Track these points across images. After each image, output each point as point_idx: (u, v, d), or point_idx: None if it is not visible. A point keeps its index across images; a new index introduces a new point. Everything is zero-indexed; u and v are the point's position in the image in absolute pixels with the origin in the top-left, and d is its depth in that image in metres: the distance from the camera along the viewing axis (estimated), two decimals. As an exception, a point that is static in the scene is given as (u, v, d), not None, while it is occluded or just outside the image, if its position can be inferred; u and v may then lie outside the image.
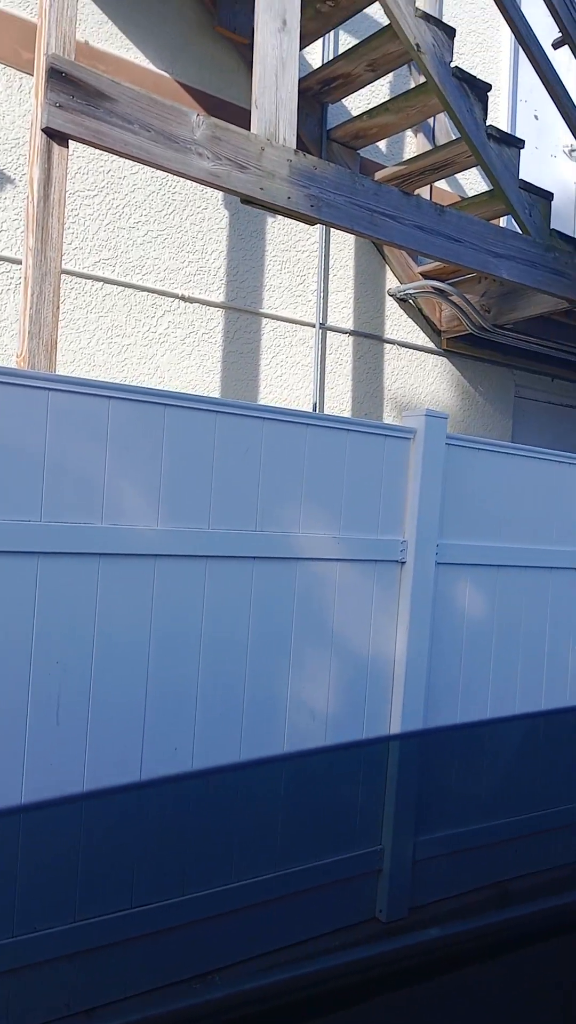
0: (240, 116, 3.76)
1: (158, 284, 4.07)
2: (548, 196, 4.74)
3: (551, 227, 4.73)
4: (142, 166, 3.87)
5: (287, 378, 4.60)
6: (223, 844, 2.76)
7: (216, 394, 4.26)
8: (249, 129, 3.56)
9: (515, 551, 3.56)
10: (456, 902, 3.22)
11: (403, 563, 3.20)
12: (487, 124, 4.30)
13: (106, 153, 3.71)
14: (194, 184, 4.06)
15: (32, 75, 3.30)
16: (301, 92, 4.12)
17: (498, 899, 3.31)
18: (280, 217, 4.43)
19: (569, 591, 3.76)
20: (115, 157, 3.76)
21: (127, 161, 3.82)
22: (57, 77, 2.95)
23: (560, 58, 4.85)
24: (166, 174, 3.98)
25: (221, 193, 4.23)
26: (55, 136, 2.99)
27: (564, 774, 3.72)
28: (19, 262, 3.59)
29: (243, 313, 4.38)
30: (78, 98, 3.01)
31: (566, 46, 4.81)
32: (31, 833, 2.41)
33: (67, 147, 3.04)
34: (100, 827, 2.52)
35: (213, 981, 2.56)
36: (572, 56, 4.78)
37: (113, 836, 2.55)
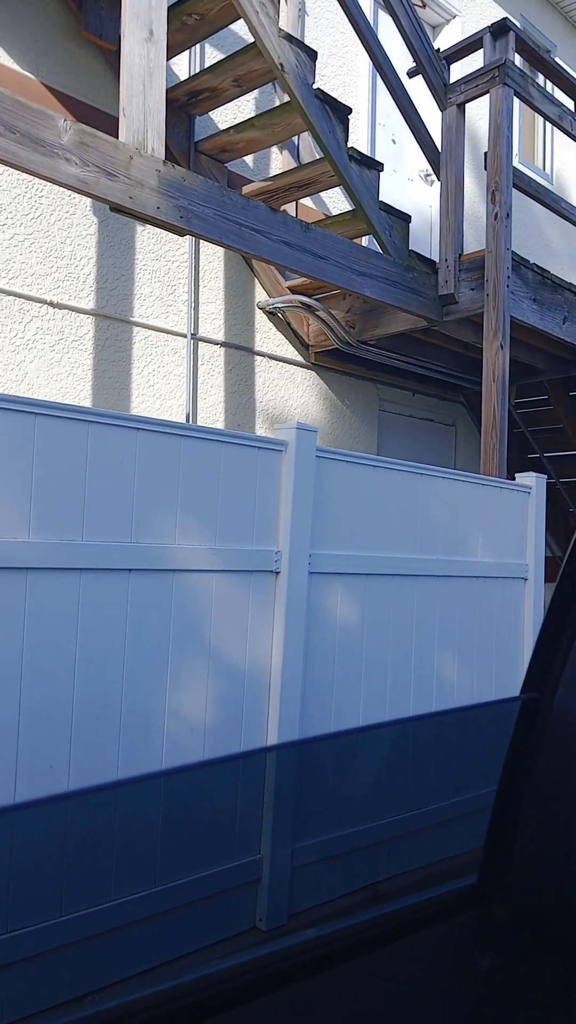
0: (108, 123, 3.72)
1: (25, 289, 3.96)
2: (407, 218, 4.94)
3: (409, 248, 4.94)
4: (4, 168, 3.76)
5: (159, 388, 4.58)
6: (101, 863, 2.70)
7: (87, 402, 4.19)
8: (117, 137, 3.54)
9: (382, 560, 3.68)
10: (332, 906, 3.28)
11: (277, 573, 3.24)
12: (348, 146, 4.45)
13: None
14: (61, 189, 3.99)
15: None
16: (169, 103, 4.12)
17: (371, 901, 3.40)
18: (150, 227, 4.41)
19: (431, 597, 3.92)
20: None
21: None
22: None
23: (415, 87, 5.07)
24: (31, 177, 3.88)
25: (90, 199, 4.17)
26: None
27: (432, 777, 3.87)
28: None
29: (114, 321, 4.33)
30: None
31: (420, 76, 5.04)
32: None
33: None
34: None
35: (94, 1002, 2.49)
36: (426, 86, 5.02)
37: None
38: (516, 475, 4.57)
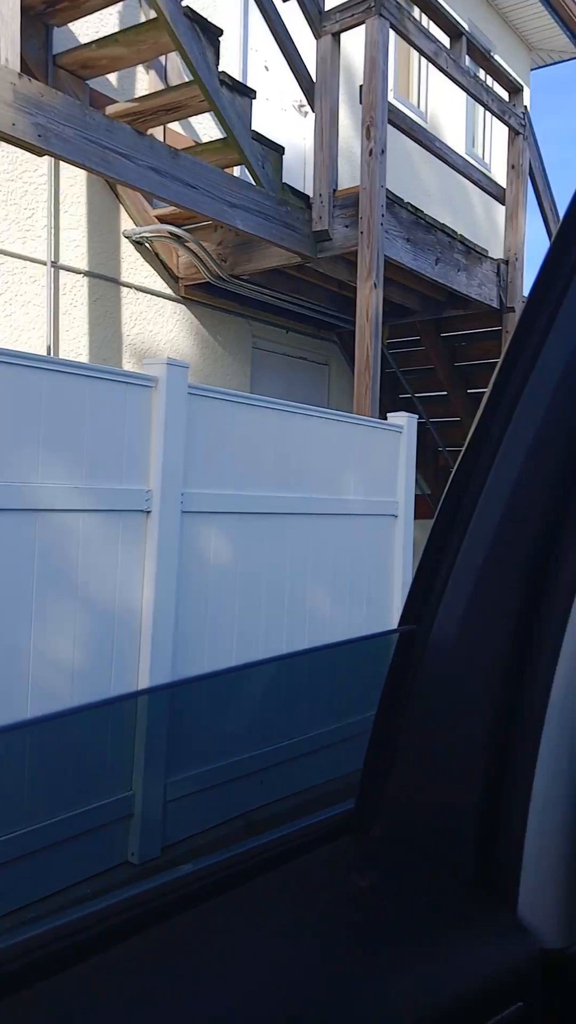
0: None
1: None
2: (280, 150, 4.84)
3: (283, 182, 4.85)
4: None
5: (17, 318, 4.34)
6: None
7: None
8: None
9: (255, 499, 3.68)
10: (207, 836, 3.34)
11: (148, 512, 3.19)
12: (219, 70, 4.28)
13: None
14: None
15: None
16: (24, 11, 3.83)
17: (245, 829, 3.48)
18: (4, 144, 4.12)
19: (304, 535, 3.96)
20: None
21: None
22: None
23: (289, 12, 4.92)
24: None
25: None
26: None
27: (307, 709, 3.97)
28: None
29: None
30: None
31: (295, 0, 4.90)
32: None
33: None
34: None
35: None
36: (300, 11, 4.88)
37: None
38: (388, 415, 4.65)
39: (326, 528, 4.07)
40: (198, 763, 3.42)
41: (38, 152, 3.58)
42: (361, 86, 4.89)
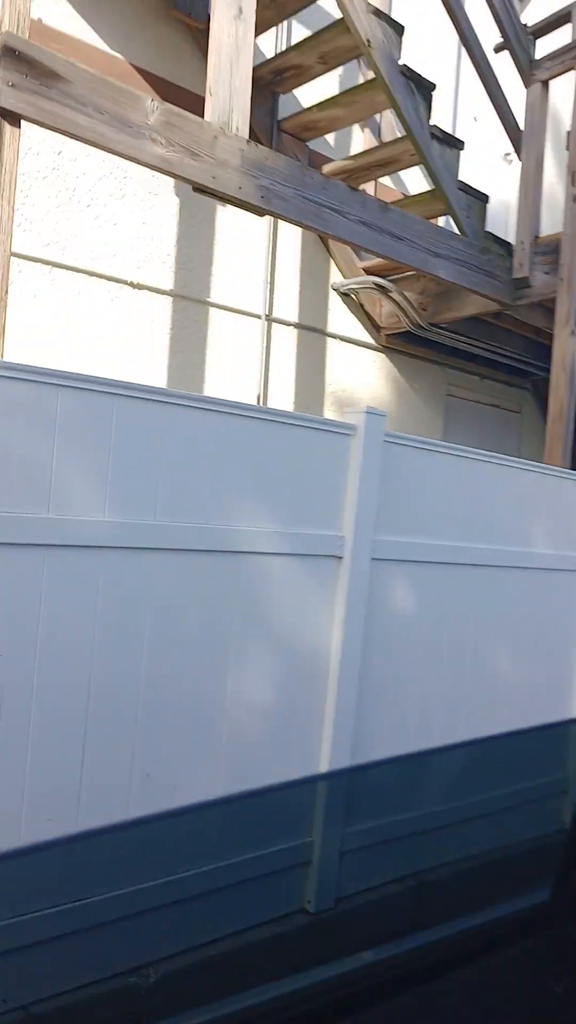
0: (193, 103, 3.73)
1: (108, 270, 4.02)
2: (484, 198, 4.86)
3: (486, 230, 4.86)
4: (95, 149, 3.80)
5: (232, 369, 4.61)
6: (160, 843, 2.78)
7: (164, 384, 4.24)
8: (203, 116, 3.55)
9: (445, 548, 3.66)
10: (378, 892, 3.33)
11: (340, 558, 3.26)
12: (431, 124, 4.38)
13: (56, 135, 3.65)
14: (146, 169, 4.02)
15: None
16: (253, 81, 4.10)
17: (416, 890, 3.44)
18: (230, 207, 4.42)
19: (491, 587, 3.89)
20: (67, 139, 3.69)
21: (79, 143, 3.75)
22: (11, 56, 2.88)
23: (501, 63, 4.95)
24: (116, 158, 3.92)
25: (173, 180, 4.20)
26: (7, 116, 2.92)
27: (487, 775, 3.87)
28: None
29: (191, 302, 4.37)
30: (31, 78, 2.95)
31: (506, 51, 4.92)
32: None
33: (19, 127, 2.97)
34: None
35: (148, 974, 2.59)
36: (512, 61, 4.90)
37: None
38: (581, 467, 4.50)
39: (511, 581, 3.98)
40: (374, 815, 3.42)
41: (260, 212, 3.81)
42: (568, 132, 4.82)
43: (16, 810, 2.47)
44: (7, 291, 2.95)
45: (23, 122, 2.99)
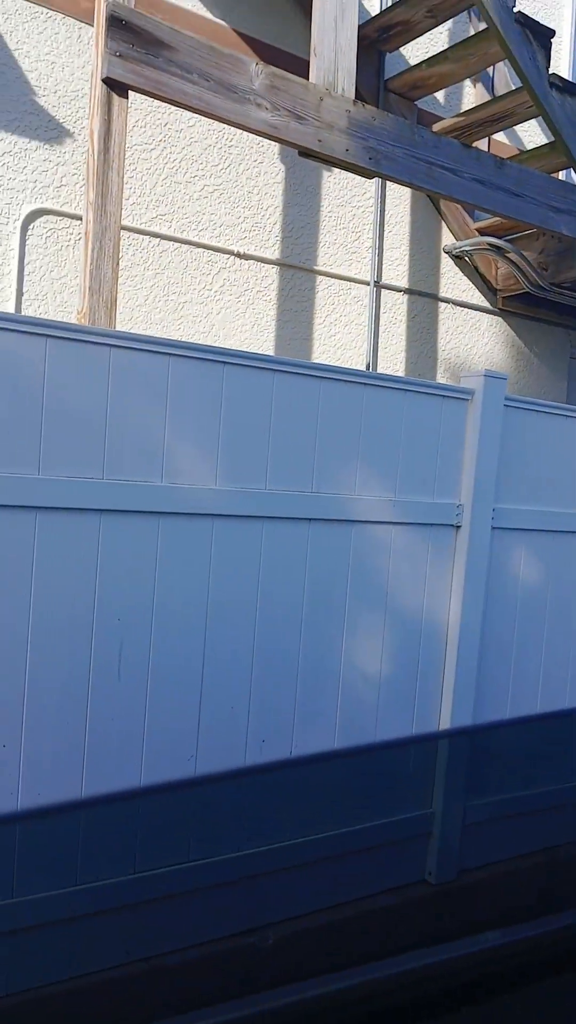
0: (298, 66, 3.66)
1: (214, 240, 4.02)
2: (612, 149, 4.56)
3: (613, 182, 4.57)
4: (199, 119, 3.80)
5: (340, 337, 4.54)
6: (279, 811, 2.79)
7: (269, 353, 4.22)
8: (307, 79, 3.48)
9: (569, 516, 3.49)
10: (505, 866, 3.23)
11: (458, 527, 3.16)
12: (549, 72, 4.15)
13: (163, 106, 3.66)
14: (251, 137, 3.98)
15: (91, 25, 3.23)
16: (359, 40, 3.99)
17: (547, 865, 3.32)
18: (336, 171, 4.34)
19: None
20: (172, 109, 3.70)
21: (184, 114, 3.75)
22: (117, 25, 2.89)
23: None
24: (223, 127, 3.91)
25: (277, 146, 4.15)
26: (115, 87, 2.93)
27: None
28: (79, 218, 3.56)
29: (298, 270, 4.32)
30: (138, 47, 2.95)
31: None
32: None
33: (127, 98, 2.99)
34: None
35: (266, 936, 2.60)
36: None
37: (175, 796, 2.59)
38: None
39: None
40: (499, 788, 3.32)
41: (368, 175, 3.71)
42: None
43: (135, 772, 2.52)
44: (118, 262, 2.98)
45: (130, 92, 3.00)
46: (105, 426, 2.42)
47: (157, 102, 3.51)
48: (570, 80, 4.43)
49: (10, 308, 3.43)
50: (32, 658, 2.35)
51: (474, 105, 5.02)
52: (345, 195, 4.54)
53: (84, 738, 2.43)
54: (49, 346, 2.33)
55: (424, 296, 4.95)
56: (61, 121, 3.55)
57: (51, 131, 3.53)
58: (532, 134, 5.57)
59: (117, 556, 2.46)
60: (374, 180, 4.43)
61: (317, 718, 2.86)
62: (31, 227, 3.49)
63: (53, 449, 2.35)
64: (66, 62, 3.54)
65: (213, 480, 2.62)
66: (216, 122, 3.68)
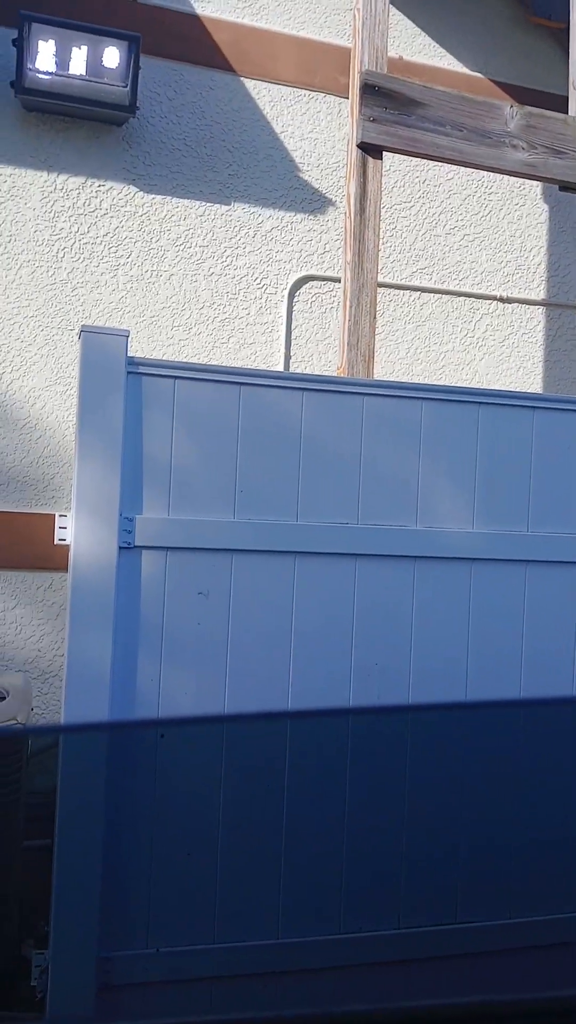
0: (557, 104, 3.57)
1: (475, 288, 3.99)
2: None
3: None
4: (456, 171, 3.83)
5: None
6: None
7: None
8: (566, 113, 3.38)
9: None
10: None
11: None
12: None
13: (421, 164, 3.74)
14: (511, 182, 3.94)
15: (348, 97, 3.41)
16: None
17: None
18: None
19: None
20: (430, 166, 3.77)
21: (442, 168, 3.81)
22: (370, 92, 3.02)
23: None
24: (481, 176, 3.91)
25: (539, 187, 4.06)
26: (369, 150, 3.06)
27: None
28: (340, 280, 3.73)
29: (566, 309, 4.14)
30: (390, 109, 3.06)
31: None
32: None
33: (381, 159, 3.10)
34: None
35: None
36: None
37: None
38: None
39: None
40: None
41: None
42: None
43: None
44: (375, 317, 3.06)
45: (385, 155, 3.11)
46: (360, 472, 2.46)
47: (416, 160, 3.60)
48: None
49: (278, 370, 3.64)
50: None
51: None
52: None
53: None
54: (306, 398, 2.44)
55: None
56: (324, 192, 3.76)
57: (314, 202, 3.75)
58: None
59: (373, 599, 2.46)
60: None
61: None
62: (297, 294, 3.71)
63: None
64: (327, 137, 3.76)
65: (470, 523, 2.55)
66: (474, 171, 3.69)
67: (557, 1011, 0.66)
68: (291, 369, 3.66)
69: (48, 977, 2.15)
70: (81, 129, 3.41)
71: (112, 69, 3.23)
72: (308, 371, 3.67)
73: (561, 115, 3.33)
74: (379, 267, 3.23)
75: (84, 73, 3.21)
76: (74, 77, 3.21)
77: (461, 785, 2.48)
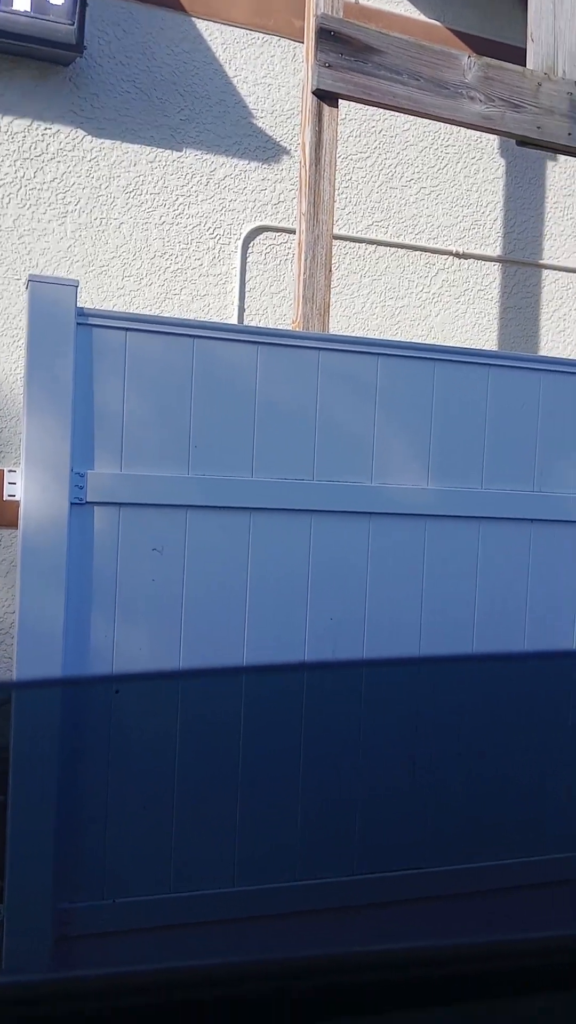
0: (514, 56, 3.53)
1: (431, 242, 3.97)
2: None
3: None
4: (413, 122, 3.78)
5: (571, 332, 4.29)
6: None
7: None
8: (524, 66, 3.34)
9: None
10: None
11: None
12: None
13: (377, 113, 3.68)
14: (468, 135, 3.90)
15: (303, 42, 3.32)
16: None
17: None
18: (561, 158, 4.13)
19: None
20: (386, 116, 3.71)
21: (399, 119, 3.75)
22: (326, 36, 2.95)
23: None
24: (438, 128, 3.86)
25: (496, 141, 4.03)
26: (325, 97, 2.99)
27: None
28: (295, 231, 3.67)
29: (521, 265, 4.15)
30: (346, 55, 2.99)
31: None
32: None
33: (337, 107, 3.03)
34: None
35: None
36: None
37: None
38: None
39: None
40: None
41: (595, 157, 3.50)
42: None
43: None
44: (331, 270, 3.02)
45: (340, 103, 3.04)
46: (315, 428, 2.45)
47: (372, 109, 3.54)
48: None
49: (232, 323, 3.59)
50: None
51: None
52: (571, 183, 4.31)
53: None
54: (261, 352, 2.40)
55: None
56: (278, 140, 3.68)
57: (268, 151, 3.67)
58: None
59: (327, 555, 2.46)
60: (604, 165, 4.16)
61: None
62: (251, 245, 3.64)
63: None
64: (282, 83, 3.67)
65: (425, 480, 2.56)
66: (432, 123, 3.64)
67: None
68: (245, 322, 3.61)
69: (4, 929, 2.16)
70: (26, 69, 3.27)
71: (58, 6, 3.09)
72: (262, 324, 3.62)
73: (519, 68, 3.29)
74: (335, 219, 3.19)
75: (29, 9, 3.08)
76: (18, 13, 3.07)
77: (413, 735, 2.53)
